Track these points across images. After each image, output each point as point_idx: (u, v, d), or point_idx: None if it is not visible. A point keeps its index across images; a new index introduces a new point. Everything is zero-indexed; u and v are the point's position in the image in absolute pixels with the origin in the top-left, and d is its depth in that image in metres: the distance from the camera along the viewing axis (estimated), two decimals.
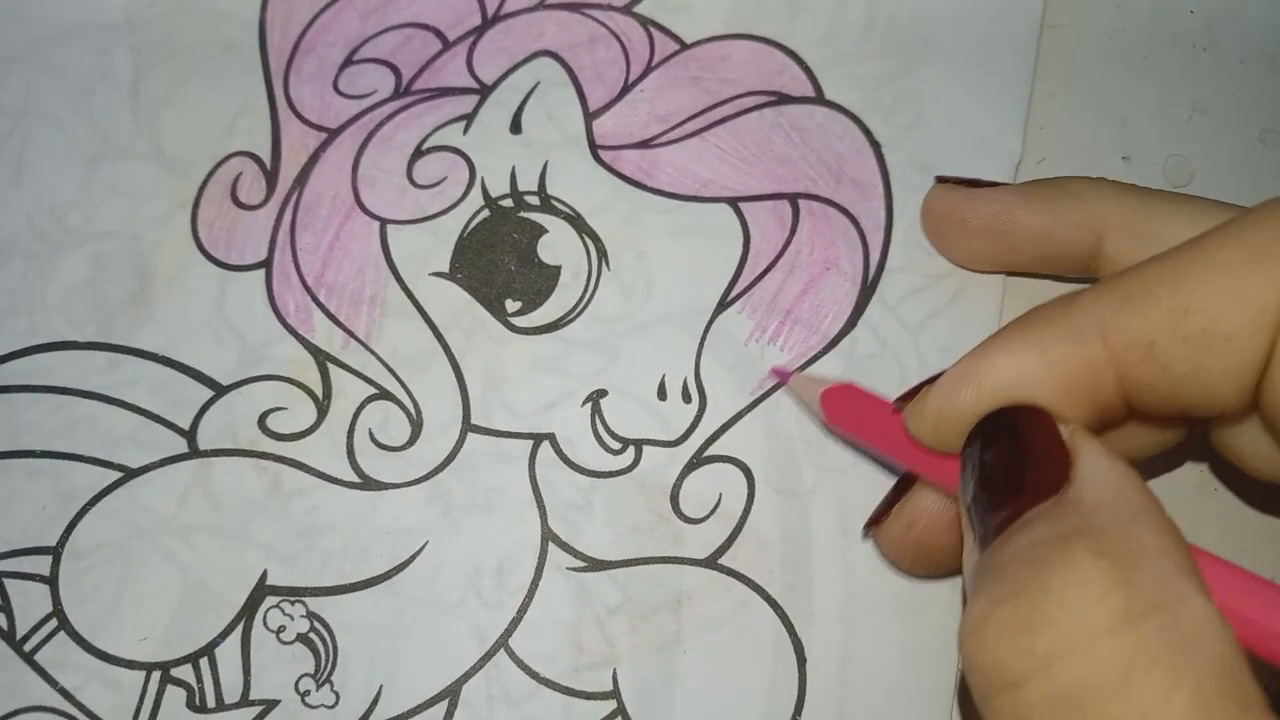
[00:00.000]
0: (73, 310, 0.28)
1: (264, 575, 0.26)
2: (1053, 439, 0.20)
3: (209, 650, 0.26)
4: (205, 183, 0.29)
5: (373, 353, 0.28)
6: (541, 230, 0.29)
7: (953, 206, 0.27)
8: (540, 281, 0.28)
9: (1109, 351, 0.20)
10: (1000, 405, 0.21)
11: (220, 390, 0.28)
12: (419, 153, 0.29)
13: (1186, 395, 0.20)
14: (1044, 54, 0.30)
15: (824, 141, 0.29)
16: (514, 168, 0.29)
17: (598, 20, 0.30)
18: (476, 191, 0.29)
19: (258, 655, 0.26)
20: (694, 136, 0.29)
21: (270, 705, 0.26)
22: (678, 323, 0.28)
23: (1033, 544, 0.18)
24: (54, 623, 0.26)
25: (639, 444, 0.27)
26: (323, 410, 0.28)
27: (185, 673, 0.26)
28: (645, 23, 0.30)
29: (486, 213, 0.29)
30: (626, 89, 0.30)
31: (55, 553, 0.27)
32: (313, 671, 0.26)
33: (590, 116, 0.29)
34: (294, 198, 0.29)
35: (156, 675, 0.26)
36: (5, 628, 0.26)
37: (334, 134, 0.30)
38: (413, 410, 0.28)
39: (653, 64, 0.30)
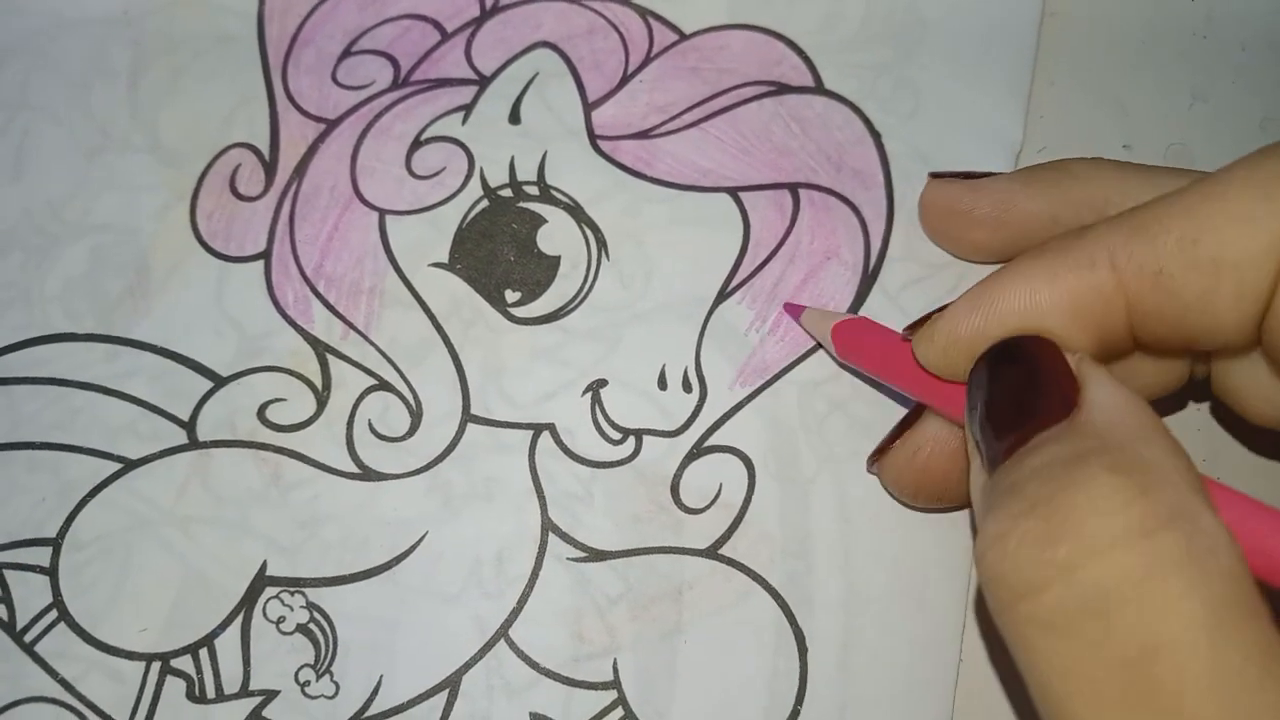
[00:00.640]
0: (71, 302, 0.28)
1: (264, 566, 0.26)
2: (1061, 365, 0.20)
3: (209, 641, 0.26)
4: (204, 174, 0.29)
5: (372, 343, 0.28)
6: (541, 220, 0.29)
7: (953, 200, 0.27)
8: (540, 271, 0.28)
9: (1118, 279, 0.21)
10: (1009, 332, 0.21)
11: (220, 381, 0.28)
12: (418, 143, 0.29)
13: (1193, 323, 0.21)
14: (1044, 42, 0.30)
15: (824, 131, 0.29)
16: (513, 158, 0.29)
17: (596, 10, 0.30)
18: (475, 182, 0.29)
19: (257, 646, 0.26)
20: (693, 127, 0.29)
21: (270, 696, 0.26)
22: (678, 312, 0.28)
23: (1048, 464, 0.18)
24: (54, 614, 0.26)
25: (639, 434, 0.27)
26: (322, 401, 0.28)
27: (185, 663, 0.26)
28: (644, 13, 0.30)
29: (485, 203, 0.29)
30: (625, 79, 0.30)
31: (55, 544, 0.27)
32: (313, 662, 0.26)
33: (589, 107, 0.29)
34: (293, 189, 0.29)
35: (156, 666, 0.26)
36: (5, 619, 0.26)
37: (333, 125, 0.29)
38: (412, 401, 0.28)
39: (652, 54, 0.30)
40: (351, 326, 0.28)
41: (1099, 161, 0.25)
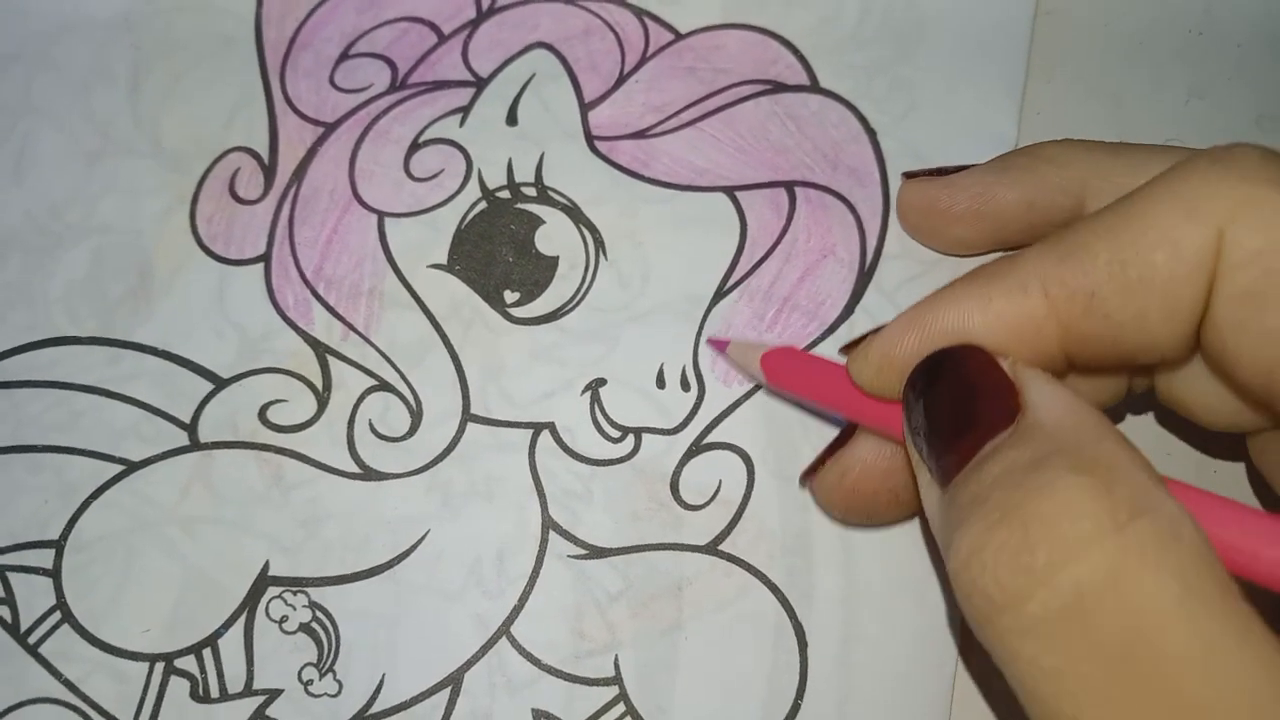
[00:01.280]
0: (73, 305, 0.29)
1: (266, 566, 0.27)
2: (997, 371, 0.21)
3: (212, 641, 0.26)
4: (204, 178, 0.29)
5: (372, 344, 0.28)
6: (539, 221, 0.29)
7: (931, 198, 0.27)
8: (538, 272, 0.28)
9: (1050, 304, 0.21)
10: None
11: (220, 383, 0.28)
12: (416, 146, 0.29)
13: (1129, 343, 0.21)
14: (1038, 38, 0.30)
15: (820, 129, 0.29)
16: (510, 159, 0.29)
17: (592, 11, 0.30)
18: (473, 183, 0.29)
19: (260, 645, 0.26)
20: (690, 126, 0.29)
21: (274, 695, 0.26)
22: (676, 311, 0.28)
23: (1008, 471, 0.19)
24: (57, 615, 0.26)
25: (638, 432, 0.27)
26: (323, 402, 0.28)
27: (188, 663, 0.26)
28: (640, 14, 0.30)
29: (484, 204, 0.29)
30: (622, 80, 0.30)
31: (58, 546, 0.27)
32: (315, 661, 0.26)
33: (586, 108, 0.30)
34: (292, 192, 0.29)
35: (160, 666, 0.26)
36: (9, 620, 0.26)
37: (331, 128, 0.30)
38: (412, 401, 0.28)
39: (648, 55, 0.30)
40: (351, 328, 0.28)
41: (1072, 143, 0.25)
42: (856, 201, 0.29)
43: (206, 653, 0.26)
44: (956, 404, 0.20)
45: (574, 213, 0.29)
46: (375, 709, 0.26)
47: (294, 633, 0.26)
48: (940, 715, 0.25)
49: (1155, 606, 0.17)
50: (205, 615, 0.26)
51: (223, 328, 0.28)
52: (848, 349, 0.24)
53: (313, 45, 0.30)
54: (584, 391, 0.28)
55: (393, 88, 0.30)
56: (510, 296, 0.28)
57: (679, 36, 0.30)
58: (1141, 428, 0.27)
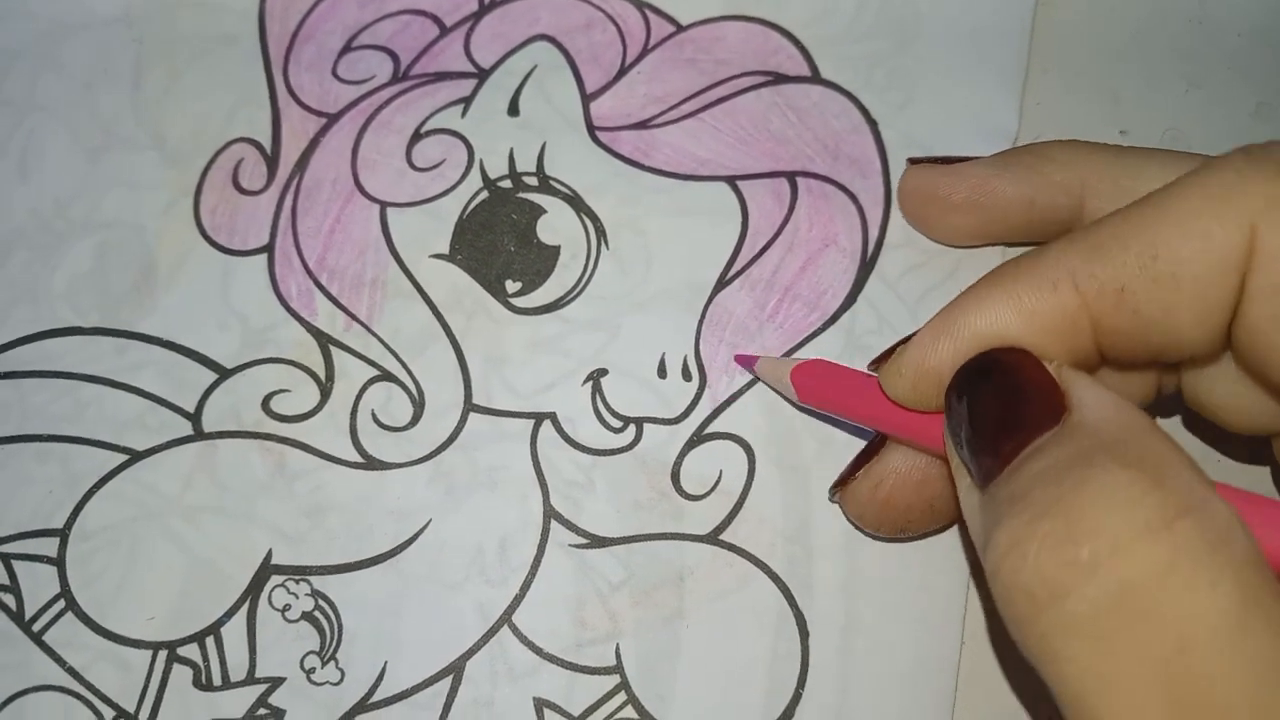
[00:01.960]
0: (78, 299, 0.29)
1: (269, 555, 0.27)
2: (1043, 373, 0.20)
3: (215, 629, 0.26)
4: (207, 169, 0.30)
5: (374, 335, 0.28)
6: (540, 211, 0.29)
7: (932, 185, 0.27)
8: (540, 262, 0.29)
9: (1081, 299, 0.21)
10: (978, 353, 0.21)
11: (224, 373, 0.28)
12: (418, 136, 0.30)
13: (1158, 338, 0.21)
14: (1039, 29, 0.30)
15: (821, 120, 0.29)
16: (512, 149, 0.29)
17: (593, 4, 0.30)
18: (475, 173, 0.29)
19: (263, 634, 0.26)
20: (691, 117, 0.29)
21: (276, 683, 0.26)
22: (677, 301, 0.28)
23: (1052, 467, 0.18)
24: (62, 603, 0.26)
25: (640, 422, 0.27)
26: (326, 392, 0.28)
27: (191, 651, 0.26)
28: (641, 6, 0.30)
29: (485, 194, 0.29)
30: (623, 71, 0.30)
31: (63, 534, 0.27)
32: (318, 649, 0.26)
33: (587, 98, 0.30)
34: (295, 183, 0.29)
35: (163, 654, 0.26)
36: (14, 608, 0.26)
37: (333, 119, 0.30)
38: (414, 391, 0.28)
39: (649, 46, 0.30)
40: (354, 318, 0.28)
41: (1075, 144, 0.25)
42: (858, 192, 0.29)
43: (209, 641, 0.26)
44: (1002, 406, 0.20)
45: (575, 202, 0.29)
46: (377, 697, 0.26)
47: (296, 621, 0.26)
48: (944, 703, 0.25)
49: (1209, 617, 0.16)
50: (208, 604, 0.26)
51: (226, 318, 0.28)
52: (877, 363, 0.23)
53: (315, 38, 0.31)
54: (585, 381, 0.28)
55: (395, 79, 0.30)
56: (512, 286, 0.28)
57: (680, 28, 0.30)
58: (1168, 431, 0.27)
